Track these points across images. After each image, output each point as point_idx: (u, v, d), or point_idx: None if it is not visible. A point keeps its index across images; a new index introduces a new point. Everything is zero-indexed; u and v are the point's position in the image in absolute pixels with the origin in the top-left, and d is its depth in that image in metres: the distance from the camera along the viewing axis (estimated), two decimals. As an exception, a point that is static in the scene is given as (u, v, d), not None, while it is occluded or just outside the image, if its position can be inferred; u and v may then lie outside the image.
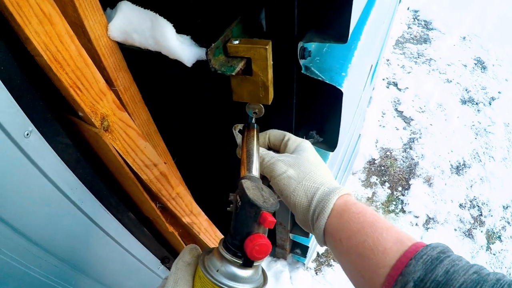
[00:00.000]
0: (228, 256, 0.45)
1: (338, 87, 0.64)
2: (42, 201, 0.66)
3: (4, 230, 0.62)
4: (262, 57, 0.54)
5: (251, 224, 0.46)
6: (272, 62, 0.58)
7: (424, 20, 3.73)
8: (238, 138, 0.63)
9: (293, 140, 0.58)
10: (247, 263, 0.45)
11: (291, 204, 0.53)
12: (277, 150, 0.61)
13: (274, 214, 0.47)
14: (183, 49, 0.60)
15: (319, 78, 0.64)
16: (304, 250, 1.69)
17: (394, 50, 3.36)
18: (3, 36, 0.50)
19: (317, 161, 0.56)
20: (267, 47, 0.54)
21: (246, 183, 0.48)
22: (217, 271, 0.45)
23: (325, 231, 0.49)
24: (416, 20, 3.76)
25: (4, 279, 0.67)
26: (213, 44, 0.55)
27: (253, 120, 0.64)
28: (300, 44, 0.61)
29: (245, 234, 0.45)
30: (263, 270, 0.51)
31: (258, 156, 0.57)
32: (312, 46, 0.65)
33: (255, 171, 0.54)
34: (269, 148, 0.63)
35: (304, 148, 0.56)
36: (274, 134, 0.61)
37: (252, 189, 0.48)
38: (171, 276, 0.46)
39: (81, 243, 0.81)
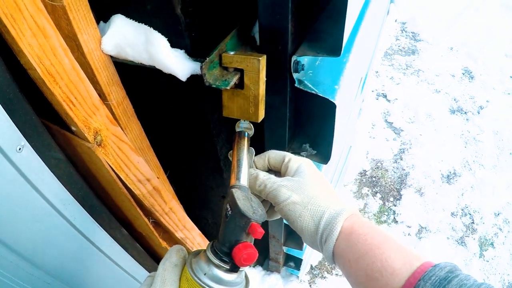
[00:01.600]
0: (216, 261, 0.47)
1: (332, 100, 0.65)
2: (33, 217, 0.65)
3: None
4: (254, 69, 0.55)
5: (240, 233, 0.48)
6: (265, 78, 0.59)
7: (411, 32, 3.81)
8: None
9: (294, 161, 0.57)
10: (234, 269, 0.47)
11: (298, 228, 0.53)
12: (277, 172, 0.60)
13: (264, 226, 0.48)
14: (177, 64, 0.60)
15: (313, 92, 0.65)
16: (297, 262, 1.68)
17: (382, 62, 3.42)
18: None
19: (320, 181, 0.55)
20: (260, 59, 0.55)
21: (236, 193, 0.50)
22: (205, 274, 0.46)
23: (333, 252, 0.49)
24: (404, 31, 3.83)
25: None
26: (207, 58, 0.55)
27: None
28: (293, 58, 0.62)
29: (234, 242, 0.47)
30: (245, 273, 0.53)
31: (248, 165, 0.58)
32: (305, 59, 0.66)
33: (244, 181, 0.55)
34: (269, 170, 0.61)
35: (305, 169, 0.55)
36: (274, 156, 0.60)
37: (243, 199, 0.49)
38: (158, 277, 0.46)
39: (73, 259, 0.79)
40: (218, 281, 0.46)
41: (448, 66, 3.31)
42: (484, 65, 3.31)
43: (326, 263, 1.93)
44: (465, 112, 2.87)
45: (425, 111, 2.86)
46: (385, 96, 3.02)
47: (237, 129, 0.65)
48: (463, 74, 3.25)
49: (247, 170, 0.57)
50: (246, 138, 0.62)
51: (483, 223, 2.17)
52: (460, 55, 3.45)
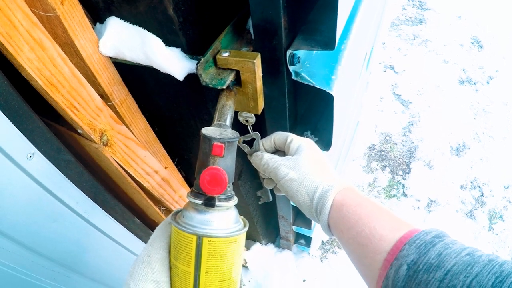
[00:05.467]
0: (190, 198, 0.45)
1: (329, 91, 0.65)
2: (50, 218, 0.69)
3: (17, 250, 0.65)
4: (250, 70, 0.56)
5: (206, 159, 0.47)
6: (261, 74, 0.59)
7: (418, 1, 3.69)
8: (245, 148, 0.64)
9: (295, 141, 0.61)
10: (208, 202, 0.44)
11: (297, 203, 0.57)
12: (283, 151, 0.64)
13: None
14: (173, 64, 0.61)
15: (310, 84, 0.65)
16: (307, 240, 1.73)
17: (389, 32, 3.33)
18: (-1, 63, 0.52)
19: (317, 159, 0.59)
20: (255, 60, 0.55)
21: (207, 127, 0.49)
22: (183, 216, 0.45)
23: (328, 224, 0.53)
24: (410, 1, 3.71)
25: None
26: (202, 59, 0.56)
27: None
28: (288, 52, 0.62)
29: (203, 170, 0.45)
30: (243, 219, 0.50)
31: (233, 112, 0.58)
32: (300, 51, 0.66)
33: (228, 122, 0.55)
34: (276, 151, 0.65)
35: (303, 148, 0.59)
36: (279, 137, 0.63)
37: (211, 129, 0.49)
38: (152, 236, 0.47)
39: (89, 252, 0.84)
40: (192, 219, 0.43)
41: (456, 36, 3.22)
42: (493, 34, 3.20)
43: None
44: (474, 83, 2.81)
45: (434, 82, 2.81)
46: (392, 68, 2.97)
47: (240, 118, 0.66)
48: (472, 43, 3.16)
49: (231, 115, 0.57)
50: (232, 92, 0.61)
51: (493, 196, 2.17)
52: (468, 23, 3.35)
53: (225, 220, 0.45)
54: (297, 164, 0.57)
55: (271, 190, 0.68)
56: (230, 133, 0.50)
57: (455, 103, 2.66)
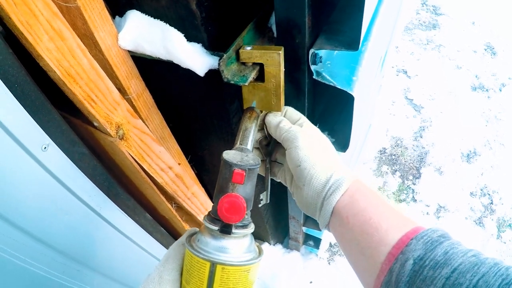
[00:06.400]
0: (206, 223, 0.44)
1: (350, 92, 0.64)
2: (61, 210, 0.68)
3: (28, 241, 0.64)
4: (275, 63, 0.55)
5: (226, 185, 0.45)
6: (284, 69, 0.58)
7: (432, 5, 3.65)
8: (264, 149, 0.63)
9: (307, 124, 0.58)
10: (224, 229, 0.43)
11: (307, 177, 0.52)
12: None
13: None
14: (194, 59, 0.60)
15: (331, 84, 0.64)
16: (316, 241, 1.72)
17: (403, 36, 3.30)
18: (16, 53, 0.51)
19: (328, 149, 0.57)
20: (280, 52, 0.54)
21: (228, 151, 0.48)
22: (198, 241, 0.44)
23: (333, 209, 0.50)
24: (424, 5, 3.67)
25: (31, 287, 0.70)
26: (225, 55, 0.55)
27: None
28: (311, 51, 0.61)
29: (221, 197, 0.44)
30: (258, 247, 0.49)
31: (254, 135, 0.56)
32: (322, 51, 0.65)
33: (247, 145, 0.54)
34: None
35: (318, 134, 0.58)
36: (291, 112, 0.61)
37: (233, 154, 0.48)
38: (164, 255, 0.47)
39: (100, 246, 0.83)
40: (206, 245, 0.43)
41: (469, 42, 3.18)
42: (507, 41, 3.16)
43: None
44: (487, 90, 2.77)
45: (446, 87, 2.78)
46: (405, 72, 2.94)
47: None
48: (485, 50, 3.12)
49: (254, 139, 0.56)
50: (257, 113, 0.59)
51: (502, 204, 2.14)
52: (482, 30, 3.30)
53: (240, 247, 0.44)
54: (318, 140, 0.56)
55: (280, 187, 0.66)
56: (251, 159, 0.48)
57: (467, 110, 2.63)
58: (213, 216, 0.45)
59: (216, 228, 0.43)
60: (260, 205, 0.69)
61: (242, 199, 0.43)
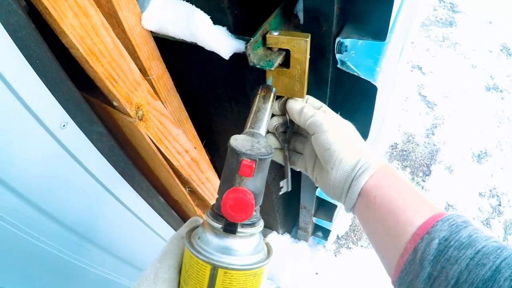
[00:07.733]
0: (209, 220, 0.39)
1: (373, 83, 0.63)
2: (77, 189, 0.68)
3: (42, 219, 0.64)
4: (302, 50, 0.53)
5: (233, 176, 0.39)
6: (309, 56, 0.57)
7: (450, 3, 3.58)
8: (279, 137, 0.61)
9: (330, 111, 0.57)
10: (229, 228, 0.37)
11: (337, 160, 0.51)
12: None
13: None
14: (220, 42, 0.59)
15: (355, 73, 0.63)
16: (325, 233, 1.73)
17: (419, 32, 3.25)
18: (39, 29, 0.50)
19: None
20: (307, 39, 0.53)
21: (237, 136, 0.42)
22: (198, 238, 0.38)
23: (361, 190, 0.50)
24: (441, 2, 3.60)
25: (43, 266, 0.71)
26: (252, 39, 0.54)
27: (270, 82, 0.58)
28: (337, 40, 0.60)
29: (226, 190, 0.38)
30: (267, 245, 0.43)
31: (268, 117, 0.51)
32: (347, 40, 0.64)
33: (260, 129, 0.48)
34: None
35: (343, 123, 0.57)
36: (313, 100, 0.60)
37: (242, 140, 0.42)
38: (162, 249, 0.43)
39: (114, 227, 0.84)
40: (208, 244, 0.37)
41: (486, 41, 3.12)
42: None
43: (352, 234, 1.95)
44: (501, 91, 2.73)
45: (460, 86, 2.73)
46: (420, 68, 2.90)
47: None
48: (501, 50, 3.06)
49: (266, 122, 0.50)
50: (272, 93, 0.54)
51: (510, 206, 2.12)
52: (499, 30, 3.23)
53: (246, 248, 0.39)
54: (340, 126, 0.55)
55: (293, 176, 0.64)
56: (263, 147, 0.42)
57: (480, 109, 2.59)
58: (216, 212, 0.39)
59: (219, 226, 0.38)
60: (280, 193, 0.66)
61: (250, 195, 0.37)
